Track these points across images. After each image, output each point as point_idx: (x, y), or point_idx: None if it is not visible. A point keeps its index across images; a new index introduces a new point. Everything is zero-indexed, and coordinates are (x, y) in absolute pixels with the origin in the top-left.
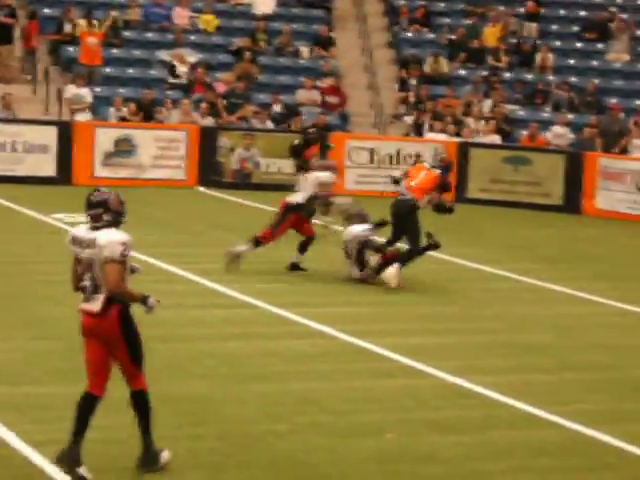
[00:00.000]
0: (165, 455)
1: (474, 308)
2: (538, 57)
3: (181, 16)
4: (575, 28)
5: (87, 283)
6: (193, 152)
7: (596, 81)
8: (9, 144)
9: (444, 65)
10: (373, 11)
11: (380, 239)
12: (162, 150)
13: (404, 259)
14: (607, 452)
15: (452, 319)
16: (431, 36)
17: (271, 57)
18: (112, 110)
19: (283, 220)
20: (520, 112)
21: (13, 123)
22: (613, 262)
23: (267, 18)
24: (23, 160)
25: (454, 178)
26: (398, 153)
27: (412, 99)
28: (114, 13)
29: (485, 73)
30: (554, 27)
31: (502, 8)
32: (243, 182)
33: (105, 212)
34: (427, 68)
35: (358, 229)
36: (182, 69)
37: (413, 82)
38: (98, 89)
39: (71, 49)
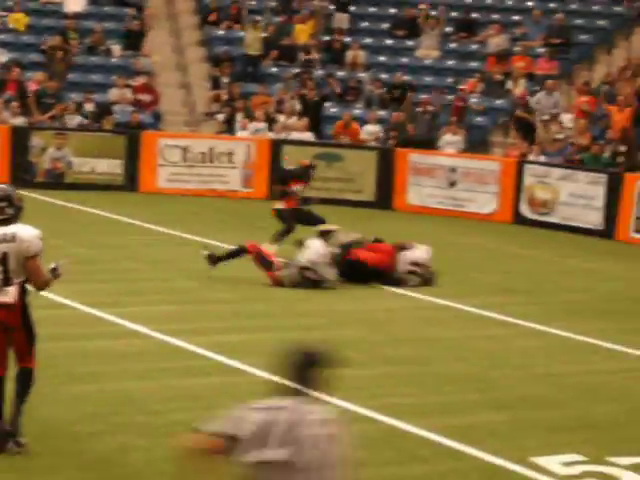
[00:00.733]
0: (23, 439)
1: (289, 305)
2: (349, 54)
3: None
4: (385, 25)
5: None
6: (4, 152)
7: (405, 77)
8: None
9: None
10: (184, 9)
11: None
12: None
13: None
14: (420, 445)
15: (267, 316)
16: (241, 34)
17: (82, 56)
18: None
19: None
20: (332, 109)
21: None
22: None
23: (78, 16)
24: None
25: (265, 176)
26: (211, 151)
27: (225, 97)
28: None
29: (297, 70)
30: (364, 24)
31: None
32: (55, 182)
33: (8, 206)
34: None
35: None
36: None
37: (225, 80)
38: None
39: None
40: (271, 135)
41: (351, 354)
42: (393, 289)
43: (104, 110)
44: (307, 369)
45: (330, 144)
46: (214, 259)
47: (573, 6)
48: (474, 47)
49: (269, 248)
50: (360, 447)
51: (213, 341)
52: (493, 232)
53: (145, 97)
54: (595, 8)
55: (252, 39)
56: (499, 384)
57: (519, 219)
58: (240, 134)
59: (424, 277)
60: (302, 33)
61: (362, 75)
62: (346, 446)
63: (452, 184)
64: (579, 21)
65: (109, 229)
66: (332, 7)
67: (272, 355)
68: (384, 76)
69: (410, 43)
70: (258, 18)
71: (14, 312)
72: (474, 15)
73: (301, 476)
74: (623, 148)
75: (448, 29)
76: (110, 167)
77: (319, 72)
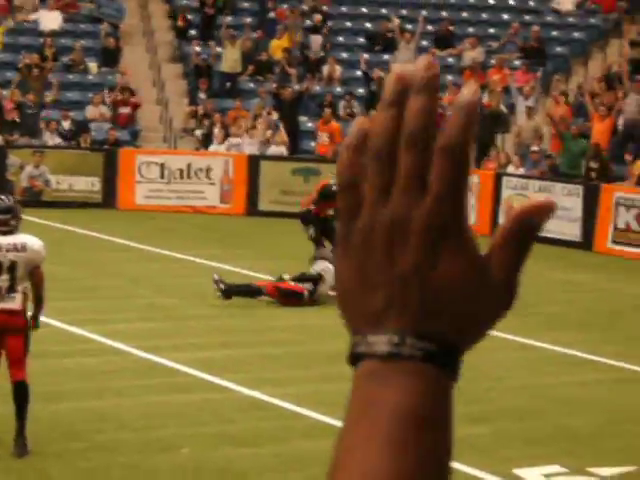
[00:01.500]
0: (29, 444)
1: (269, 320)
2: (325, 69)
3: None
4: (361, 40)
5: (3, 284)
6: None
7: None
8: None
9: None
10: (160, 26)
11: None
12: None
13: None
14: None
15: (247, 331)
16: (219, 50)
17: (59, 73)
18: None
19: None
20: (308, 124)
21: None
22: None
23: (54, 34)
24: None
25: (244, 191)
26: (189, 167)
27: (201, 112)
28: None
29: (274, 85)
30: (340, 39)
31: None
32: (33, 200)
33: (12, 218)
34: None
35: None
36: None
37: (202, 96)
38: None
39: None
40: (247, 150)
41: (331, 369)
42: None
43: (81, 128)
44: None
45: (308, 159)
46: (228, 294)
47: (549, 18)
48: (450, 60)
49: (285, 277)
50: None
51: (193, 357)
52: None
53: (124, 110)
54: (570, 20)
55: (229, 55)
56: (479, 397)
57: None
58: (214, 148)
59: None
60: (278, 48)
61: (338, 90)
62: None
63: None
64: (555, 33)
65: (88, 246)
66: (308, 23)
67: (253, 371)
68: (360, 90)
69: (386, 57)
70: (235, 34)
71: (19, 317)
72: (450, 28)
73: None
74: (594, 164)
75: (424, 43)
76: (88, 184)
77: (296, 87)
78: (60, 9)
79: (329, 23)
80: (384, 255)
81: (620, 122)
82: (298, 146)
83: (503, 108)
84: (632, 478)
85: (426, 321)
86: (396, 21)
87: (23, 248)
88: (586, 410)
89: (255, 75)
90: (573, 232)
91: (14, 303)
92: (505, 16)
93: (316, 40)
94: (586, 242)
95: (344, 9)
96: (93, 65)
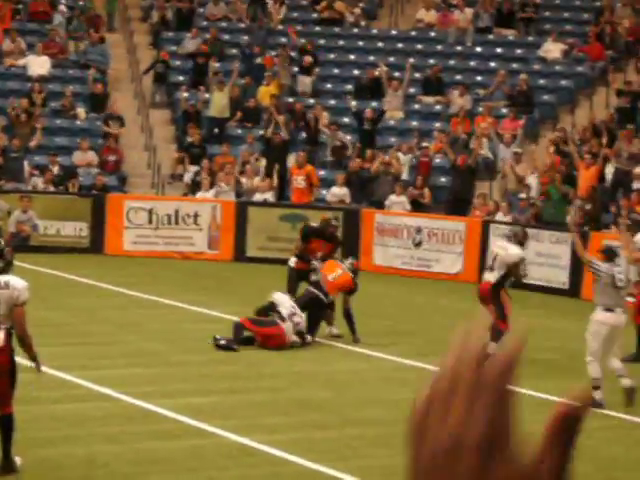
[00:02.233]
0: (18, 460)
1: (255, 366)
2: (313, 117)
3: None
4: (349, 87)
5: None
6: None
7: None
8: None
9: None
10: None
11: None
12: None
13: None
14: None
15: (233, 378)
16: (206, 96)
17: (47, 118)
18: None
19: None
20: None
21: None
22: (393, 318)
23: (42, 79)
24: None
25: (232, 237)
26: (177, 213)
27: (189, 159)
28: None
29: (261, 132)
30: (328, 86)
31: (276, 67)
32: (21, 245)
33: (0, 260)
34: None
35: None
36: None
37: (191, 139)
38: None
39: None
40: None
41: (319, 416)
42: (356, 349)
43: (69, 173)
44: None
45: (295, 205)
46: (228, 347)
47: (536, 67)
48: (438, 107)
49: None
50: None
51: (182, 404)
52: (459, 292)
53: (111, 158)
54: (557, 68)
55: (218, 100)
56: None
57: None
58: (202, 195)
59: None
60: (266, 94)
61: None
62: None
63: (417, 244)
64: (542, 81)
65: (75, 292)
66: (296, 69)
67: (240, 417)
68: (349, 138)
69: (374, 104)
70: (223, 80)
71: (3, 356)
72: (438, 76)
73: None
74: (588, 207)
75: (412, 90)
76: (76, 230)
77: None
78: (48, 55)
79: (317, 70)
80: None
81: (609, 170)
82: (286, 192)
83: (489, 155)
84: None
85: None
86: (384, 68)
87: (6, 286)
88: (575, 458)
89: (243, 121)
90: (560, 280)
91: None
92: (492, 64)
93: (304, 81)
94: (573, 289)
95: (332, 56)
96: (81, 111)
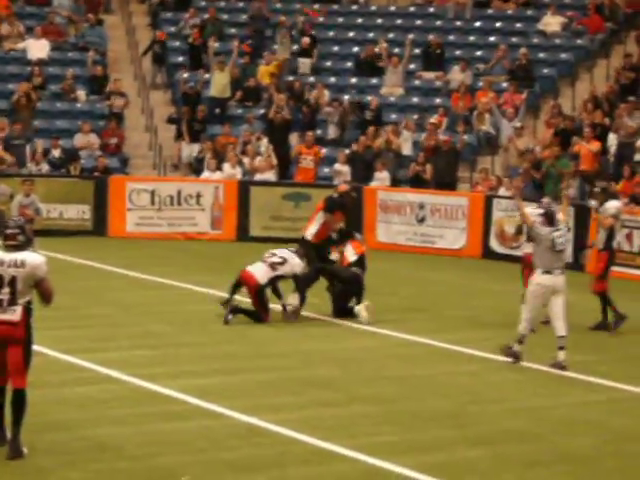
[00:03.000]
0: (25, 449)
1: (262, 346)
2: (313, 93)
3: None
4: (349, 64)
5: (4, 297)
6: None
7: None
8: None
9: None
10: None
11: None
12: None
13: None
14: None
15: (241, 358)
16: (206, 76)
17: (48, 102)
18: None
19: None
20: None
21: None
22: (397, 294)
23: (42, 63)
24: None
25: (235, 217)
26: (179, 194)
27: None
28: None
29: (262, 111)
30: (328, 64)
31: (276, 47)
32: None
33: (21, 234)
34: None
35: None
36: None
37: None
38: None
39: None
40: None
41: (327, 394)
42: (363, 327)
43: (71, 156)
44: None
45: (298, 184)
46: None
47: (535, 40)
48: (438, 83)
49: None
50: None
51: (189, 384)
52: (463, 267)
53: (112, 140)
54: (557, 41)
55: (218, 80)
56: (476, 420)
57: (489, 254)
58: (207, 175)
59: None
60: (266, 74)
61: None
62: None
63: (421, 220)
64: (542, 55)
65: (80, 275)
66: (295, 47)
67: (248, 397)
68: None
69: (374, 81)
70: (223, 60)
71: (19, 329)
72: (437, 51)
73: None
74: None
75: (412, 66)
76: (79, 212)
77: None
78: (47, 38)
79: (317, 48)
80: None
81: (612, 143)
82: (289, 171)
83: (491, 130)
84: None
85: None
86: (384, 45)
87: (22, 264)
88: (584, 431)
89: (243, 101)
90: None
91: (14, 315)
92: (492, 38)
93: (305, 63)
94: (577, 263)
95: (331, 34)
96: (81, 93)
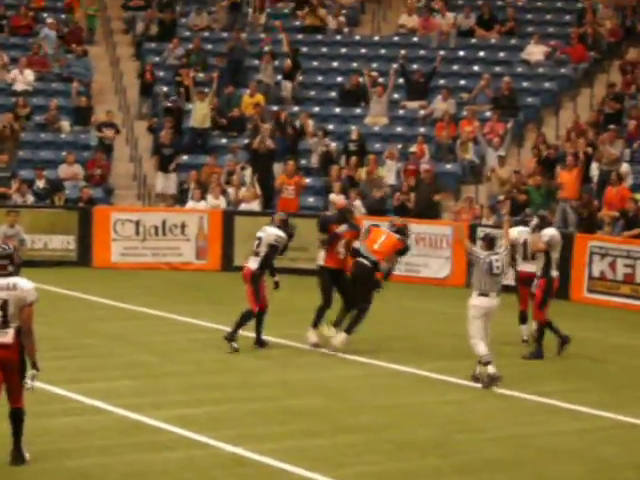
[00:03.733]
0: (27, 454)
1: (246, 376)
2: (298, 123)
3: None
4: (333, 94)
5: None
6: None
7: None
8: None
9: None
10: (131, 83)
11: None
12: None
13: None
14: None
15: (225, 388)
16: (190, 107)
17: (32, 132)
18: None
19: None
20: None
21: None
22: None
23: (26, 93)
24: None
25: (220, 247)
26: (164, 224)
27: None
28: None
29: (246, 141)
30: (312, 93)
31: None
32: None
33: (10, 263)
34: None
35: None
36: None
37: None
38: None
39: None
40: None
41: (312, 424)
42: (349, 356)
43: (55, 186)
44: None
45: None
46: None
47: (519, 69)
48: (422, 112)
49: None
50: None
51: (174, 415)
52: (447, 296)
53: (96, 171)
54: (541, 71)
55: (199, 111)
56: (460, 448)
57: None
58: (191, 205)
59: None
60: (250, 104)
61: (310, 143)
62: None
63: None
64: (525, 84)
65: (65, 305)
66: (279, 77)
67: (234, 427)
68: (334, 144)
69: (358, 111)
70: (205, 90)
71: (12, 351)
72: (422, 81)
73: None
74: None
75: (396, 95)
76: (63, 243)
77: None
78: (32, 68)
79: (301, 77)
80: None
81: (594, 172)
82: (273, 201)
83: (475, 158)
84: None
85: None
86: (372, 74)
87: (14, 287)
88: (568, 460)
89: (227, 130)
90: None
91: (7, 337)
92: (476, 68)
93: (287, 86)
94: (562, 291)
95: (315, 63)
96: (65, 124)
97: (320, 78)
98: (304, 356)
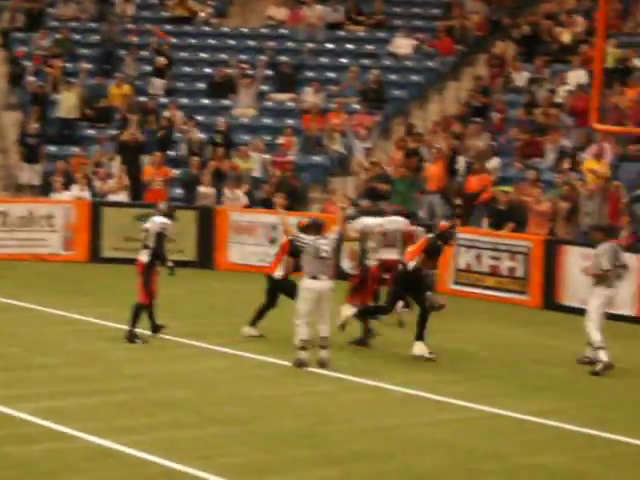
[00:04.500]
0: None
1: (114, 367)
2: (166, 114)
3: None
4: (202, 85)
5: None
6: None
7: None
8: None
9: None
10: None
11: None
12: None
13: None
14: None
15: (93, 380)
16: (57, 97)
17: None
18: None
19: None
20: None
21: None
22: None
23: None
24: None
25: (87, 238)
26: (30, 215)
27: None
28: None
29: (114, 132)
30: (181, 84)
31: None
32: None
33: None
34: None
35: None
36: None
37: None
38: None
39: None
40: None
41: (180, 415)
42: (215, 347)
43: None
44: None
45: (149, 205)
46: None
47: (387, 62)
48: (290, 104)
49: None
50: None
51: (40, 407)
52: None
53: None
54: (408, 64)
55: (66, 101)
56: (329, 440)
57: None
58: (56, 196)
59: None
60: (117, 95)
61: (179, 135)
62: None
63: (273, 241)
64: (393, 77)
65: None
66: (148, 69)
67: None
68: (202, 136)
69: (227, 102)
70: (73, 80)
71: None
72: (290, 73)
73: None
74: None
75: (264, 87)
76: None
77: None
78: None
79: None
80: None
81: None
82: (141, 192)
83: (343, 150)
84: None
85: None
86: (242, 65)
87: None
88: (433, 451)
89: (95, 121)
90: None
91: None
92: (343, 60)
93: (157, 84)
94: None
95: (184, 54)
96: None
97: (188, 69)
98: (173, 348)
